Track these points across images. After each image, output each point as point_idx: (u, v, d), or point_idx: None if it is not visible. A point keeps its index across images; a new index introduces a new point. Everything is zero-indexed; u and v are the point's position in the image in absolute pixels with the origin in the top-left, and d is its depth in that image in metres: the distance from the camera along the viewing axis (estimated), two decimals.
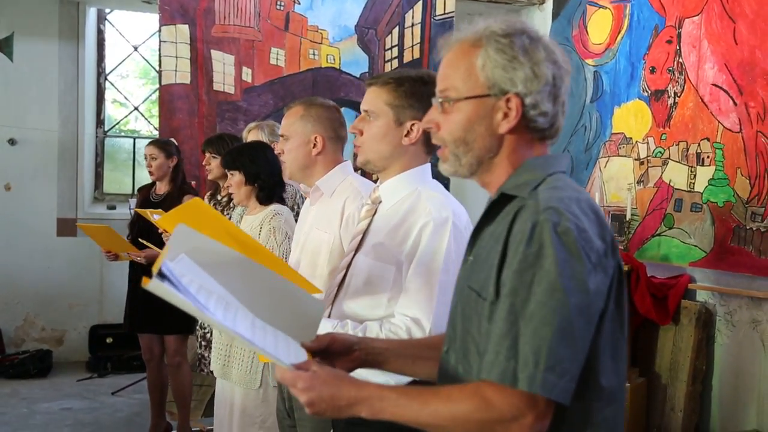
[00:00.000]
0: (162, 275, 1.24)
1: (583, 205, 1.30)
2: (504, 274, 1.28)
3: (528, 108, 1.37)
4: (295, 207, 3.65)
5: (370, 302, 2.01)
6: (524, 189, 1.35)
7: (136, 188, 6.99)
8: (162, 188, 4.50)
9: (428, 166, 2.12)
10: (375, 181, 2.19)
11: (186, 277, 1.30)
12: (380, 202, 2.10)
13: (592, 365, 1.27)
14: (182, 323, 4.35)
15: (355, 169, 2.56)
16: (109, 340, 6.52)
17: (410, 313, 1.92)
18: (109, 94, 7.13)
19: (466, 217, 2.02)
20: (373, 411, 1.33)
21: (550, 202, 1.28)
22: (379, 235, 2.03)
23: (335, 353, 1.52)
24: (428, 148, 2.09)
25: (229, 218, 3.81)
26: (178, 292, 1.25)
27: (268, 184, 3.11)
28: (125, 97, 7.29)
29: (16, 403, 5.46)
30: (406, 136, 2.04)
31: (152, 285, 1.22)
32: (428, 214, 1.96)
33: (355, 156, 2.19)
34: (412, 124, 2.03)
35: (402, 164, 2.07)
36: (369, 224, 2.08)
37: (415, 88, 2.03)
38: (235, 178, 3.13)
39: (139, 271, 4.46)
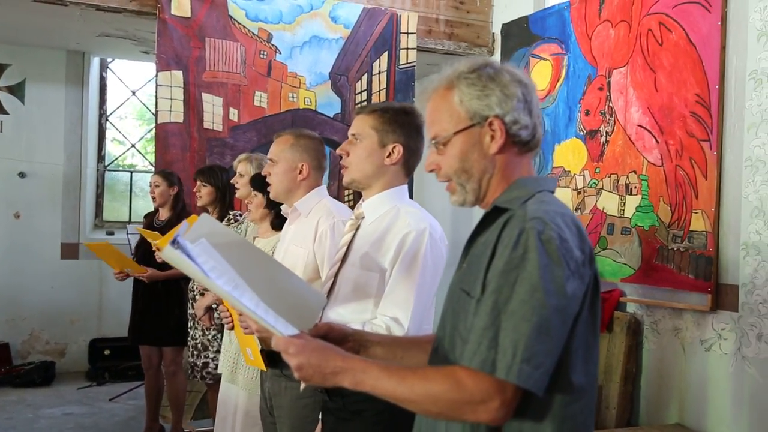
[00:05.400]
0: (176, 244, 1.19)
1: (566, 219, 1.28)
2: (490, 274, 1.25)
3: (509, 125, 1.37)
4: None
5: (357, 307, 1.97)
6: (515, 203, 1.33)
7: (132, 216, 6.95)
8: (164, 214, 4.43)
9: (406, 186, 2.10)
10: (350, 206, 2.16)
11: (202, 257, 1.25)
12: (363, 217, 2.06)
13: (564, 363, 1.24)
14: (178, 336, 4.28)
15: (341, 189, 2.51)
16: (106, 352, 6.39)
17: (390, 313, 1.88)
18: (110, 134, 7.08)
19: (441, 229, 2.01)
20: (355, 381, 1.28)
21: (537, 213, 1.26)
22: (363, 247, 2.00)
23: (331, 341, 1.45)
24: (407, 170, 2.08)
25: None
26: (189, 260, 1.20)
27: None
28: (123, 136, 7.25)
29: (23, 409, 5.33)
30: (388, 157, 2.02)
31: (166, 251, 1.17)
32: (408, 225, 1.94)
33: (340, 178, 2.15)
34: (394, 147, 2.02)
35: (383, 183, 2.05)
36: (353, 237, 2.05)
37: (398, 116, 2.03)
38: (258, 199, 3.02)
39: (141, 290, 4.39)
